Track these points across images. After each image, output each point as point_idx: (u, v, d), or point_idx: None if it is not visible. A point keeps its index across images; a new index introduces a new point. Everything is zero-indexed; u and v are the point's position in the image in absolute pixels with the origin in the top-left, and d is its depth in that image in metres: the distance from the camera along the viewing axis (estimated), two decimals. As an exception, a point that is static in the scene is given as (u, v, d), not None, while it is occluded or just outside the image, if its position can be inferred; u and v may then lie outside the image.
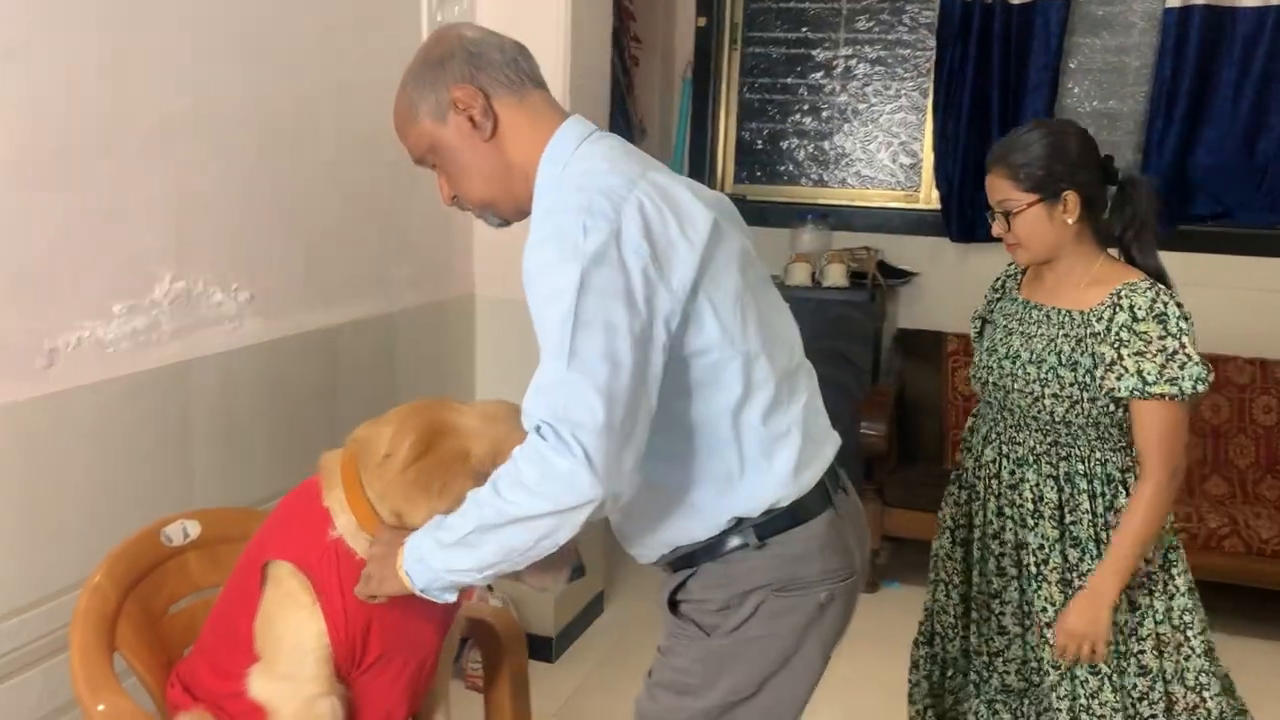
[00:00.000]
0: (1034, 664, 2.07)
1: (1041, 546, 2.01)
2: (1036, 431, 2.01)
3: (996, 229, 2.01)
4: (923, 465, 4.01)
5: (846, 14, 4.47)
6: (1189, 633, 2.00)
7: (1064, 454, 1.99)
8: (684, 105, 4.62)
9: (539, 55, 1.52)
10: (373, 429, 1.49)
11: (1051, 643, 1.97)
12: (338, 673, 1.46)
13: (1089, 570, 1.96)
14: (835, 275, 4.06)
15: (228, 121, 2.06)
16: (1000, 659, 2.12)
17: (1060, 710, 2.00)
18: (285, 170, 2.24)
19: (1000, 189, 1.97)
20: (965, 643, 2.20)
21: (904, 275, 4.29)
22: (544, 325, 1.27)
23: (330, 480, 1.47)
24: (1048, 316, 2.01)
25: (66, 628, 1.75)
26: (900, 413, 4.07)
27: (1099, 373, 1.90)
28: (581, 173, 1.37)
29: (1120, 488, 1.97)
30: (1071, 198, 1.92)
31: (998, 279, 2.23)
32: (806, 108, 4.59)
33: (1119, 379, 1.87)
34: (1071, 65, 4.18)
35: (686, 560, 1.48)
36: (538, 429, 1.24)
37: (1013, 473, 2.05)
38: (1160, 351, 1.85)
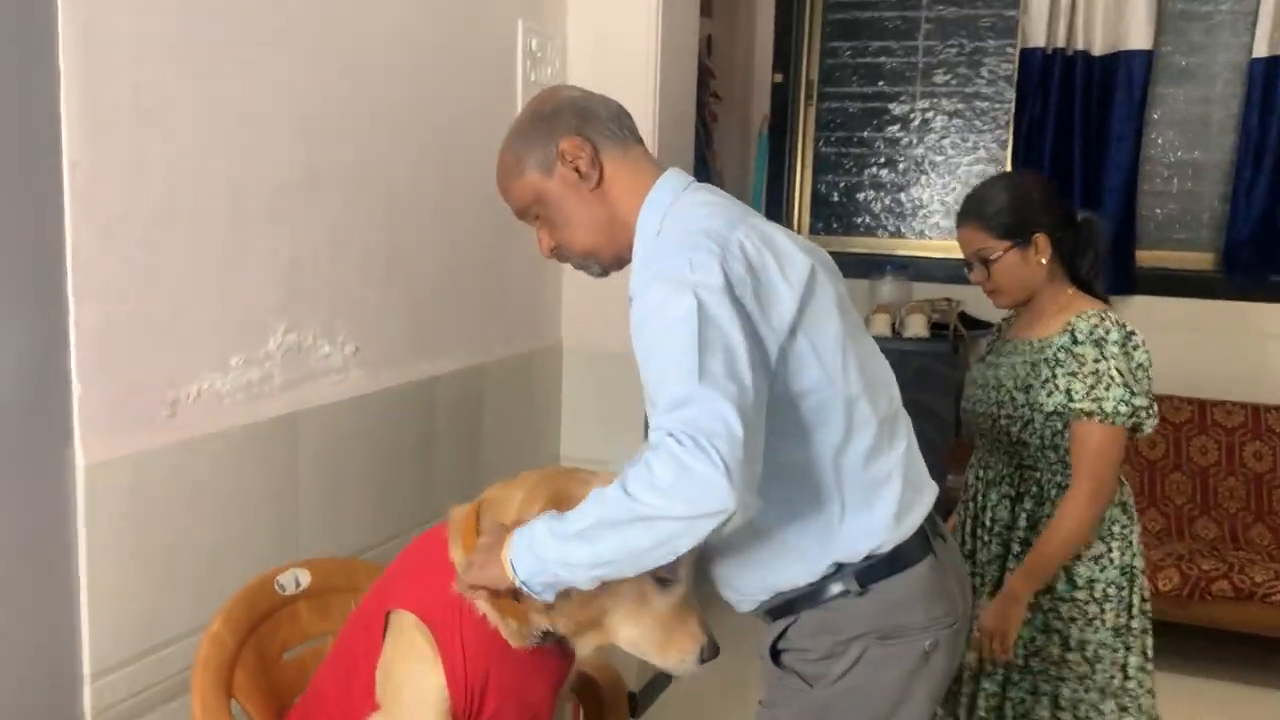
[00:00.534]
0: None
1: (990, 562, 2.14)
2: (1003, 454, 2.15)
3: (975, 277, 2.16)
4: (1008, 520, 3.94)
5: (923, 68, 4.49)
6: (1097, 666, 2.07)
7: (1025, 476, 2.12)
8: (761, 159, 4.66)
9: (630, 111, 1.56)
10: (504, 491, 1.50)
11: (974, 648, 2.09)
12: (454, 724, 1.46)
13: None
14: (916, 326, 4.04)
15: (338, 181, 2.12)
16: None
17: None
18: (389, 227, 2.29)
19: (975, 240, 2.12)
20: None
21: (985, 327, 4.25)
22: (666, 355, 1.26)
23: (457, 535, 1.48)
24: (1015, 348, 2.16)
25: (180, 674, 1.80)
26: (984, 466, 4.01)
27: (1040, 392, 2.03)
28: (684, 219, 1.41)
29: None
30: (1041, 239, 2.07)
31: (997, 324, 2.37)
32: (883, 160, 4.60)
33: (1049, 395, 2.02)
34: (1155, 116, 4.15)
35: (786, 608, 1.48)
36: (670, 435, 1.21)
37: (984, 495, 2.18)
38: (1092, 374, 1.97)
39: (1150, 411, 1.99)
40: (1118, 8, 3.98)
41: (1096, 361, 1.97)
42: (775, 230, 1.43)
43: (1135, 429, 2.00)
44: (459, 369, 2.59)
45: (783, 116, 4.64)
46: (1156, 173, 4.20)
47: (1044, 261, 2.08)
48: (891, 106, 4.56)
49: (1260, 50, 3.84)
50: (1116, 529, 2.07)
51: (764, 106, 4.67)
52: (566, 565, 1.28)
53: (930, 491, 1.53)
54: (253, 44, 1.88)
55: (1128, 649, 2.08)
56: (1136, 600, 2.09)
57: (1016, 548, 2.11)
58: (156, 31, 1.69)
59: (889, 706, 1.44)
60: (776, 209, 4.66)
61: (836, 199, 4.70)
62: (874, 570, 1.43)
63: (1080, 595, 2.06)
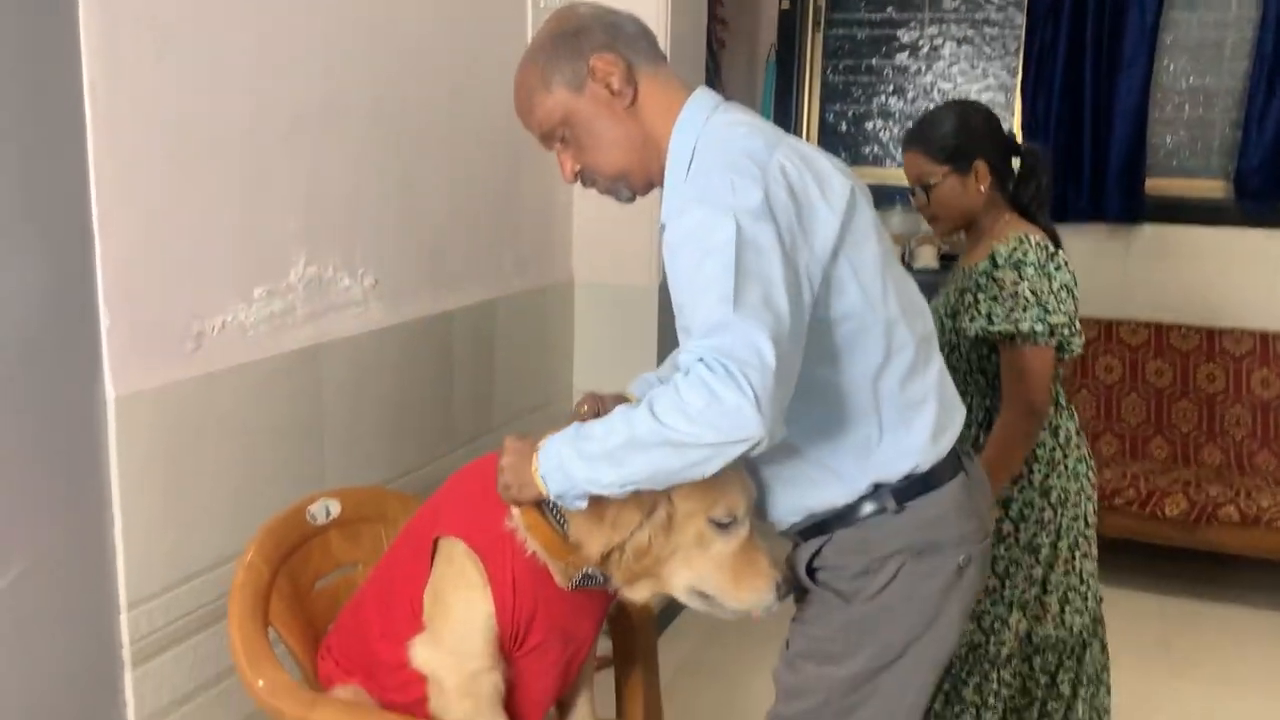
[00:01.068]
0: None
1: None
2: None
3: (916, 203, 2.20)
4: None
5: (933, -7, 4.42)
6: (1007, 581, 2.13)
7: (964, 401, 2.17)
8: (768, 87, 4.60)
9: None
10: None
11: None
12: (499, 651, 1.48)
13: None
14: (926, 257, 4.04)
15: (353, 113, 2.10)
16: None
17: None
18: (404, 159, 2.27)
19: (916, 164, 2.15)
20: None
21: (994, 257, 4.24)
22: (703, 280, 1.24)
23: None
24: (953, 275, 2.21)
25: (213, 603, 1.82)
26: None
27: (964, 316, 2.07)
28: (720, 139, 1.37)
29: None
30: (981, 167, 2.10)
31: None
32: (891, 89, 4.55)
33: (971, 321, 2.04)
34: (1167, 41, 4.09)
35: (820, 527, 1.48)
36: (701, 361, 1.20)
37: None
38: (1011, 296, 1.99)
39: (1073, 329, 2.02)
40: (1132, -71, 3.92)
41: (1015, 284, 1.99)
42: (814, 151, 1.41)
43: (1061, 348, 2.03)
44: (474, 303, 2.59)
45: (790, 44, 4.58)
46: (1168, 99, 4.16)
47: (983, 189, 2.11)
48: (900, 33, 4.49)
49: (1277, -28, 3.78)
50: (1040, 451, 2.10)
51: (771, 34, 4.60)
52: (596, 483, 1.28)
53: (960, 411, 1.54)
54: (267, -31, 1.84)
55: (1049, 566, 2.13)
56: (1066, 520, 2.12)
57: None
58: (171, -44, 1.66)
59: (925, 621, 1.46)
60: (783, 139, 4.61)
61: (844, 128, 4.65)
62: (910, 489, 1.44)
63: (995, 513, 2.10)
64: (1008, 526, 2.12)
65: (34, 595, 1.54)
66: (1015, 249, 2.01)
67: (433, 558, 1.49)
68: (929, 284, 3.88)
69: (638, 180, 1.48)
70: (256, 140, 1.86)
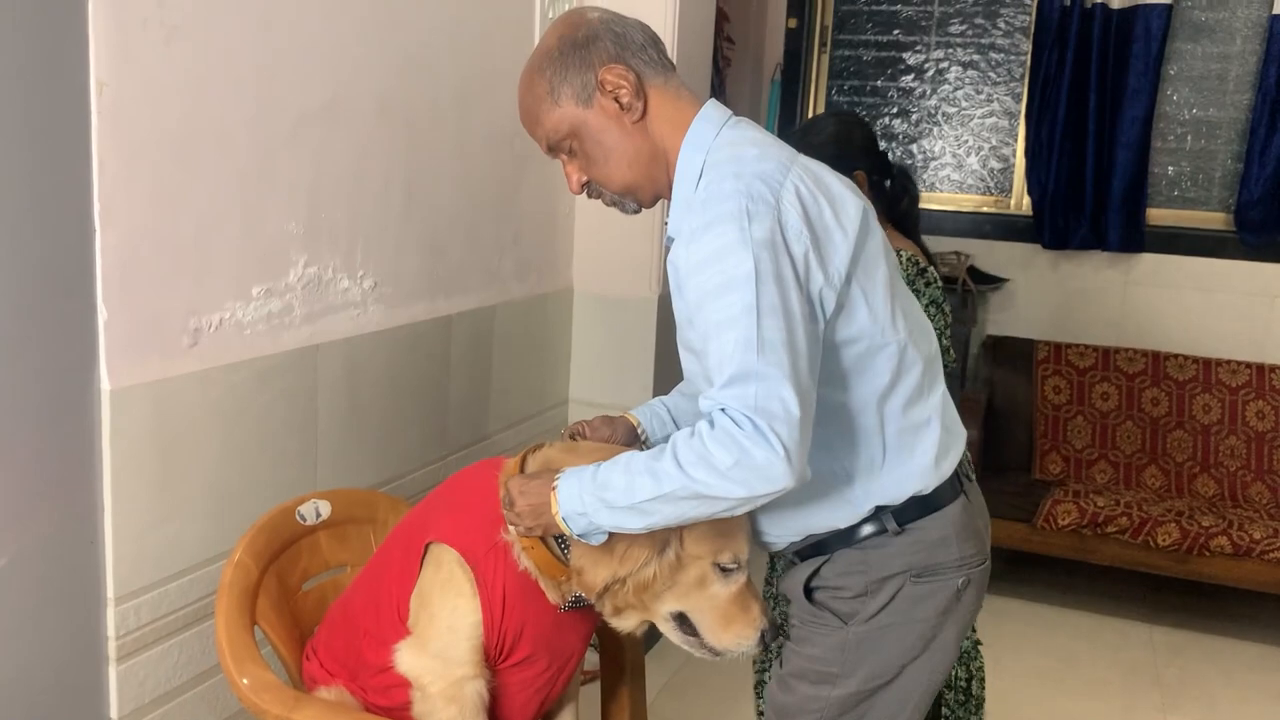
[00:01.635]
0: None
1: None
2: None
3: None
4: (1010, 474, 3.97)
5: (939, 17, 4.44)
6: None
7: None
8: (773, 105, 4.62)
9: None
10: (564, 457, 1.45)
11: None
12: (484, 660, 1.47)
13: None
14: (925, 279, 4.03)
15: (357, 114, 2.10)
16: None
17: None
18: (408, 163, 2.27)
19: None
20: None
21: (994, 281, 4.25)
22: (722, 315, 1.23)
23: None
24: None
25: (200, 601, 1.81)
26: (989, 420, 4.03)
27: None
28: (731, 159, 1.34)
29: None
30: (860, 177, 2.11)
31: None
32: (896, 110, 4.56)
33: None
34: (1171, 72, 4.11)
35: (819, 547, 1.48)
36: (725, 412, 1.21)
37: None
38: None
39: (941, 344, 2.01)
40: (1139, -40, 3.94)
41: None
42: (825, 171, 1.40)
43: None
44: (472, 308, 2.58)
45: (795, 63, 4.59)
46: (1170, 130, 4.17)
47: None
48: (906, 56, 4.51)
49: (1281, 7, 3.80)
50: None
51: (777, 53, 4.62)
52: (621, 529, 1.32)
53: (962, 435, 1.53)
54: (277, -31, 1.85)
55: None
56: None
57: None
58: (182, -48, 1.66)
59: (921, 643, 1.46)
60: (787, 157, 4.62)
61: (847, 149, 4.66)
62: (911, 510, 1.43)
63: None
64: None
65: (20, 586, 1.54)
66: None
67: (422, 562, 1.48)
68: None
69: (645, 194, 1.46)
70: (260, 138, 1.86)
